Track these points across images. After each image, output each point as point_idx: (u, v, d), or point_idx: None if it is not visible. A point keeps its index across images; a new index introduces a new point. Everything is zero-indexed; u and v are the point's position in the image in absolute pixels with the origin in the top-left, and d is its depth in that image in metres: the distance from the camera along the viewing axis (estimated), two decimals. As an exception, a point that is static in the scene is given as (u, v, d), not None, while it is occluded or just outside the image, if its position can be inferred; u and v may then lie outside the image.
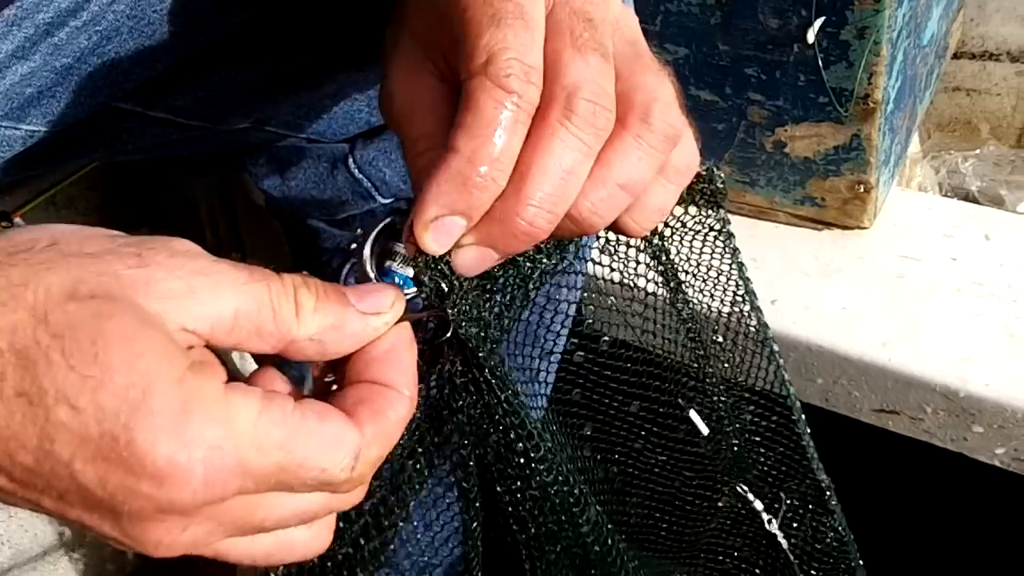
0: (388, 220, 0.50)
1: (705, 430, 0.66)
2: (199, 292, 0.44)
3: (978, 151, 1.60)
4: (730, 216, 1.24)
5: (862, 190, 1.17)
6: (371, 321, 0.47)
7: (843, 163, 1.16)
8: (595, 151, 0.48)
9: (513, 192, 0.47)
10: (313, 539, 0.47)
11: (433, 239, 0.47)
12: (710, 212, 0.63)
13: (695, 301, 0.66)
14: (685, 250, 0.63)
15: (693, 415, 0.65)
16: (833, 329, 1.10)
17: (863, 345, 1.08)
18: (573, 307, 0.68)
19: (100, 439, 0.40)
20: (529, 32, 0.48)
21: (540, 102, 0.48)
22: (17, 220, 1.42)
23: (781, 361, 0.70)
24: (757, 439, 0.75)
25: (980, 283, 1.12)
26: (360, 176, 0.90)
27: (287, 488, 0.44)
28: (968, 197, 1.56)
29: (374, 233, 0.50)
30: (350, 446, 0.45)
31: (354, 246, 0.50)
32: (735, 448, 0.74)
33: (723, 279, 0.66)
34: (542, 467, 0.53)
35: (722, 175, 0.60)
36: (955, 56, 1.65)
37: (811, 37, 1.05)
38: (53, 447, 0.41)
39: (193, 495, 0.41)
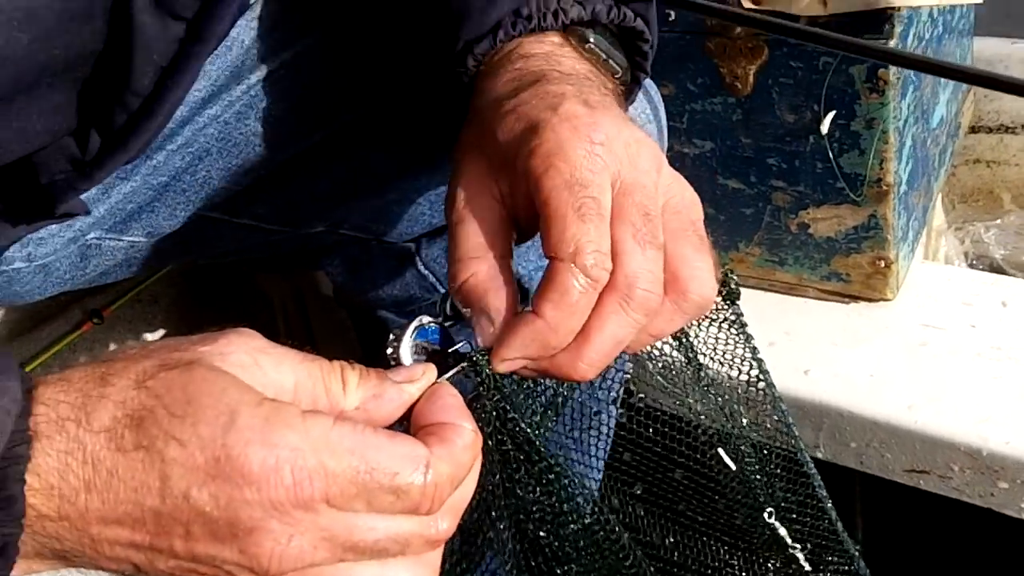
0: (416, 322, 0.61)
1: (733, 466, 0.74)
2: (264, 365, 0.53)
3: (999, 220, 1.67)
4: (762, 292, 1.34)
5: (883, 265, 1.25)
6: (406, 387, 0.56)
7: (863, 241, 1.25)
8: (643, 324, 0.59)
9: (575, 349, 0.58)
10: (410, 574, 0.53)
11: (504, 370, 0.59)
12: (726, 306, 0.71)
13: (717, 381, 0.75)
14: (703, 334, 0.72)
15: (721, 452, 0.73)
16: (862, 395, 1.18)
17: (890, 409, 1.15)
18: (620, 386, 0.78)
19: (206, 464, 0.49)
20: (604, 224, 0.58)
21: None
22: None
23: (798, 432, 0.77)
24: (792, 514, 0.82)
25: (998, 347, 1.19)
26: (426, 272, 0.99)
27: (369, 497, 0.51)
28: (992, 265, 1.62)
29: (407, 335, 0.60)
30: (419, 458, 0.52)
31: (390, 350, 0.60)
32: (772, 528, 0.80)
33: (738, 361, 0.74)
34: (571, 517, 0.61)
35: (736, 278, 0.69)
36: (973, 130, 1.74)
37: (824, 129, 1.16)
38: (170, 483, 0.49)
39: (287, 492, 0.49)
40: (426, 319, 0.61)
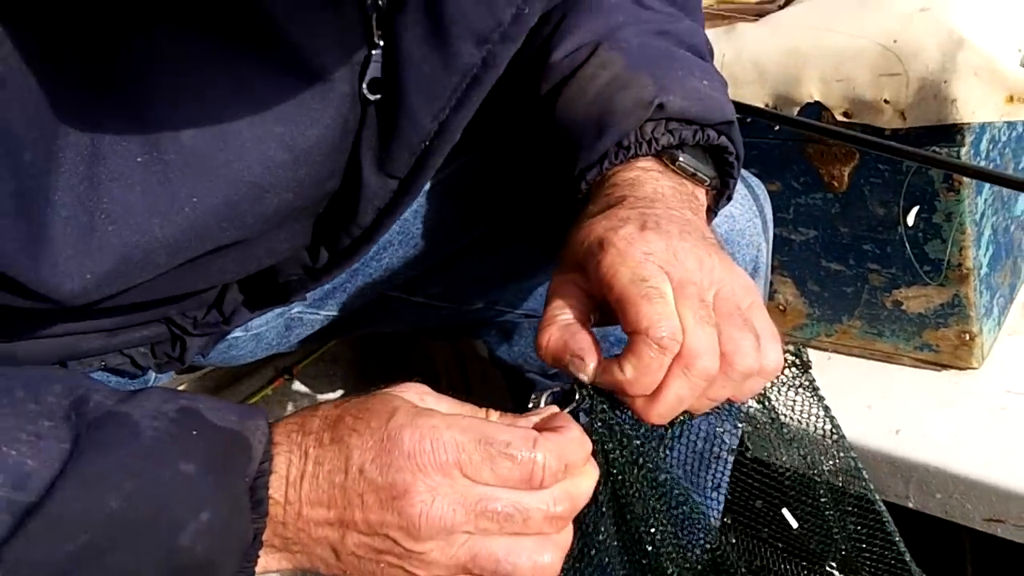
0: (549, 391, 0.74)
1: (795, 524, 0.87)
2: (427, 402, 0.68)
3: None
4: (863, 360, 1.48)
5: (968, 338, 1.36)
6: (533, 417, 0.69)
7: (949, 317, 1.36)
8: (703, 388, 0.69)
9: (649, 401, 0.69)
10: (538, 548, 0.64)
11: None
12: (800, 374, 0.84)
13: (798, 436, 0.89)
14: (783, 398, 0.85)
15: (785, 512, 0.87)
16: (947, 452, 1.28)
17: (971, 465, 1.26)
18: (735, 438, 0.91)
19: (374, 445, 0.63)
20: (668, 306, 0.68)
21: None
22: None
23: (867, 476, 0.90)
24: (862, 545, 0.94)
25: (1072, 412, 1.29)
26: None
27: (492, 464, 0.62)
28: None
29: (544, 398, 0.76)
30: (530, 434, 0.64)
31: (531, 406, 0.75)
32: (843, 551, 0.96)
33: (814, 419, 0.87)
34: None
35: (807, 353, 0.82)
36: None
37: (910, 222, 1.29)
38: (351, 462, 0.63)
39: (428, 457, 0.62)
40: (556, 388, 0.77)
